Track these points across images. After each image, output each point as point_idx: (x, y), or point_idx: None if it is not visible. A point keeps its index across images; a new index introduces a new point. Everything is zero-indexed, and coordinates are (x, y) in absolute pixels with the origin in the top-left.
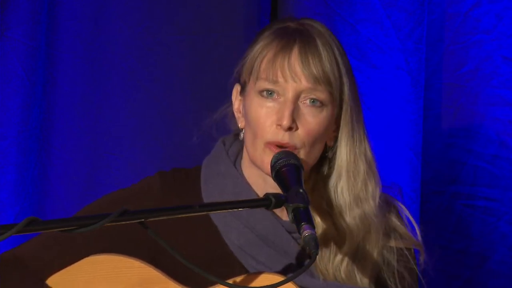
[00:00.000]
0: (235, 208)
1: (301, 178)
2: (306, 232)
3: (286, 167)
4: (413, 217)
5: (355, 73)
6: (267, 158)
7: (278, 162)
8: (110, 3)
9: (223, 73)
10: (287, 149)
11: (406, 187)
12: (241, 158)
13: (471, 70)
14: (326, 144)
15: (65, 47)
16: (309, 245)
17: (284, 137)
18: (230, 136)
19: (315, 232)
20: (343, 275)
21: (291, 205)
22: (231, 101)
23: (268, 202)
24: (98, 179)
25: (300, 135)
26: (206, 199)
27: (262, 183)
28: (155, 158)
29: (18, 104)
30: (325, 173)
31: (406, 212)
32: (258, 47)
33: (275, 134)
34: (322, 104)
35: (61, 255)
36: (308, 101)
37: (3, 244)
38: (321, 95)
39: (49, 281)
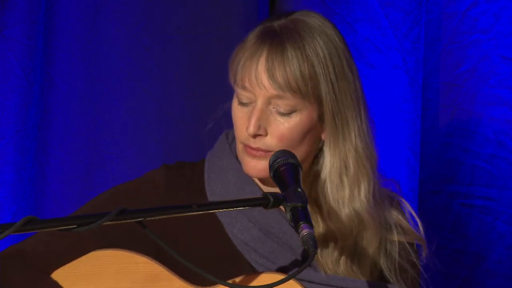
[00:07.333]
0: (234, 208)
1: (299, 177)
2: (304, 232)
3: (284, 166)
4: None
5: None
6: (245, 159)
7: (277, 161)
8: (107, 2)
9: (221, 72)
10: (285, 149)
11: (404, 187)
12: None
13: (469, 70)
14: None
15: (62, 47)
16: (307, 244)
17: (255, 143)
18: (233, 129)
19: (314, 231)
20: (342, 270)
21: (289, 204)
22: None
23: (266, 201)
24: (96, 178)
25: (271, 141)
26: (210, 193)
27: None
28: (152, 157)
29: (15, 103)
30: (319, 168)
31: (408, 206)
32: (239, 47)
33: (247, 139)
34: (292, 111)
35: (67, 248)
36: (276, 109)
37: (1, 243)
38: (290, 102)
39: (55, 275)
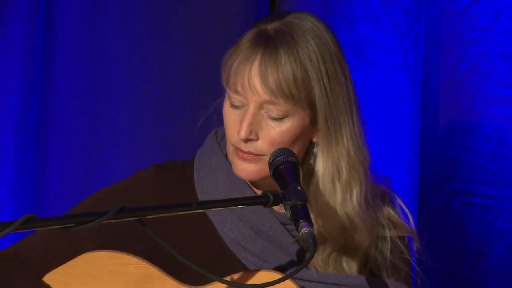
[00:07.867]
0: (233, 206)
1: (299, 176)
2: (304, 230)
3: (284, 164)
4: (411, 215)
5: (352, 71)
6: (235, 161)
7: (276, 159)
8: (107, 2)
9: (221, 72)
10: (284, 147)
11: (404, 185)
12: None
13: (469, 68)
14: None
15: (63, 46)
16: (307, 242)
17: (246, 147)
18: (223, 127)
19: (313, 229)
20: (332, 268)
21: (289, 202)
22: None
23: (266, 199)
24: (96, 177)
25: (262, 145)
26: (200, 192)
27: None
28: (152, 156)
29: (16, 102)
30: (310, 169)
31: (398, 200)
32: (232, 50)
33: (238, 142)
34: (284, 116)
35: (65, 247)
36: (268, 114)
37: (1, 242)
38: (282, 107)
39: (46, 277)
